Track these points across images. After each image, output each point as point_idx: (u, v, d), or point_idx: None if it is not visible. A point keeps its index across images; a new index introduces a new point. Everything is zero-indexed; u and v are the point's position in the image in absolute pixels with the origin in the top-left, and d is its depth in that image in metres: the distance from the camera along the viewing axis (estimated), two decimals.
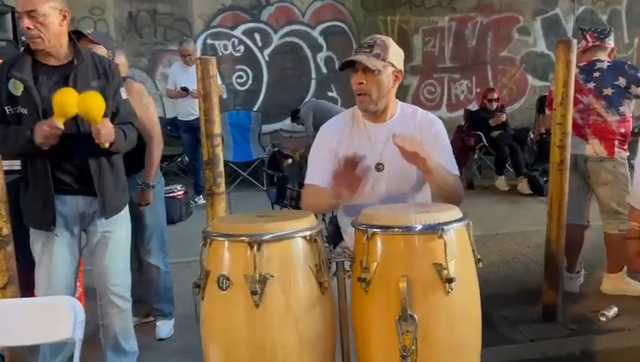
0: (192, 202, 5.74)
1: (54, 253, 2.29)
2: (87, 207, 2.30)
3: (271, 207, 4.47)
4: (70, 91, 2.07)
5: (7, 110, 2.14)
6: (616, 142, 3.22)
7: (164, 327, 3.08)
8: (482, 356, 2.59)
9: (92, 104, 2.08)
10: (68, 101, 2.04)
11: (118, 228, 2.41)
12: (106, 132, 2.12)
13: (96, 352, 2.50)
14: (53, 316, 1.83)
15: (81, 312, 1.80)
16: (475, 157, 6.63)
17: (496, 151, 6.34)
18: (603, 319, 3.04)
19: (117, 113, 2.30)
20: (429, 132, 2.03)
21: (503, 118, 6.37)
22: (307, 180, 2.07)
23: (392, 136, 1.84)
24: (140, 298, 3.23)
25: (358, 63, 1.93)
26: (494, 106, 6.53)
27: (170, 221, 4.41)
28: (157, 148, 2.95)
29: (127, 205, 2.48)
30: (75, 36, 2.81)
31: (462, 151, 6.61)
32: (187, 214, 5.41)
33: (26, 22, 2.08)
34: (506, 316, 3.13)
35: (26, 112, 2.14)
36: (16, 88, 2.13)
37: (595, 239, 3.83)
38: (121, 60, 3.08)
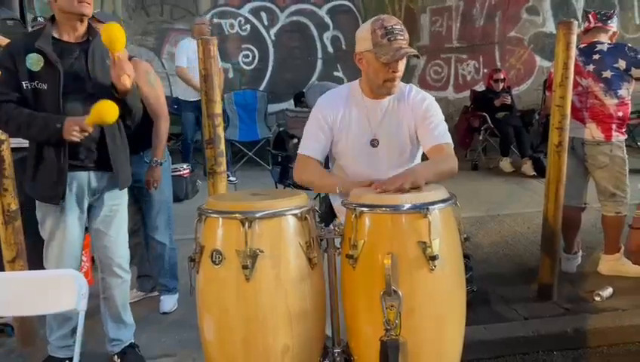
0: (199, 181, 5.81)
1: (67, 229, 2.34)
2: (98, 181, 2.36)
3: (275, 186, 4.53)
4: (112, 103, 2.12)
5: (24, 85, 2.16)
6: (614, 126, 3.23)
7: (168, 301, 3.18)
8: (476, 332, 2.70)
9: (115, 32, 2.10)
10: (108, 112, 2.11)
11: (123, 199, 2.50)
12: (126, 63, 2.15)
13: (99, 324, 2.59)
14: (58, 288, 1.90)
15: (85, 285, 1.87)
16: (480, 138, 6.62)
17: (501, 133, 6.33)
18: (598, 299, 3.08)
19: None
20: (421, 108, 2.07)
21: (507, 100, 6.34)
22: (302, 150, 2.11)
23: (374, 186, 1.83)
24: (146, 273, 3.33)
25: (410, 54, 1.95)
26: (500, 87, 6.49)
27: (177, 199, 4.49)
28: (164, 126, 3.02)
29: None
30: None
31: (467, 132, 6.63)
32: (193, 192, 5.48)
33: None
34: (502, 294, 3.19)
35: (45, 88, 2.17)
36: (36, 64, 2.15)
37: (593, 221, 3.87)
38: None
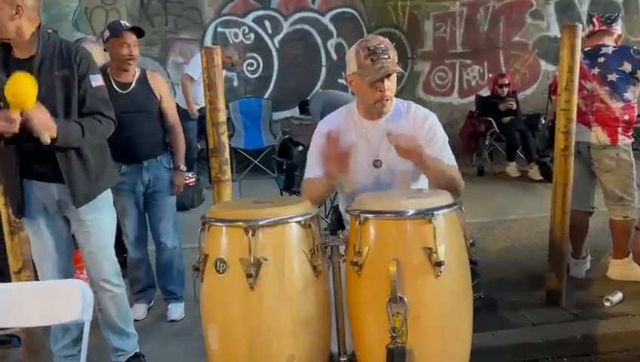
0: (205, 189, 5.81)
1: (39, 236, 2.38)
2: (63, 194, 2.32)
3: (280, 193, 4.52)
4: (23, 78, 2.04)
5: None
6: (620, 129, 3.21)
7: (177, 309, 3.17)
8: (483, 339, 2.67)
9: (18, 88, 2.02)
10: (18, 91, 2.03)
11: (100, 215, 2.43)
12: (38, 121, 2.07)
13: (101, 333, 2.59)
14: (64, 298, 1.90)
15: (90, 295, 1.88)
16: (486, 143, 6.60)
17: (507, 138, 6.30)
18: (607, 304, 3.05)
19: (84, 102, 2.28)
20: (423, 127, 2.07)
21: (512, 104, 6.33)
22: (305, 176, 2.14)
23: (387, 134, 1.91)
24: (150, 283, 3.31)
25: (391, 73, 1.95)
26: (505, 92, 6.48)
27: (182, 208, 4.49)
28: (181, 133, 3.19)
29: (110, 190, 2.50)
30: (138, 33, 2.96)
31: (472, 137, 6.61)
32: (199, 201, 5.48)
33: None
34: (510, 301, 3.17)
35: (2, 105, 2.17)
36: None
37: (602, 225, 3.83)
38: (92, 49, 3.23)
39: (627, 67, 3.15)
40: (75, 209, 2.34)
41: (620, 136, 3.21)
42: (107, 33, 2.98)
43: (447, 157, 2.05)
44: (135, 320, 2.79)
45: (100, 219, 2.43)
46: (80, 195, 2.30)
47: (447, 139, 2.10)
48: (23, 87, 2.04)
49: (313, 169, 2.10)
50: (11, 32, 2.17)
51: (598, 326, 2.86)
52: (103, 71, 2.88)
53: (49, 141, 2.11)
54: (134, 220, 3.11)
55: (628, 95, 3.19)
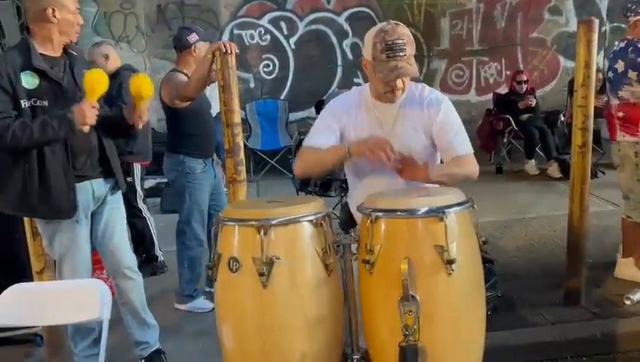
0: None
1: (80, 242, 2.37)
2: (101, 189, 2.41)
3: (296, 193, 4.54)
4: (99, 71, 2.25)
5: (22, 103, 2.16)
6: (618, 126, 3.11)
7: None
8: (501, 338, 2.65)
9: (145, 85, 2.30)
10: (99, 80, 2.19)
11: (122, 204, 2.58)
12: (147, 111, 2.37)
13: (123, 334, 2.63)
14: (84, 297, 1.95)
15: (108, 293, 1.92)
16: (505, 141, 6.53)
17: (526, 135, 6.23)
18: (628, 303, 2.99)
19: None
20: (438, 114, 2.04)
21: (532, 101, 6.26)
22: (307, 142, 2.09)
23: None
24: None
25: (404, 77, 1.95)
26: (524, 89, 6.41)
27: None
28: None
29: None
30: None
31: (491, 135, 6.55)
32: None
33: (80, 18, 2.31)
34: (528, 299, 3.13)
35: (46, 104, 2.19)
36: (32, 82, 2.17)
37: None
38: (110, 52, 3.58)
39: (620, 66, 3.04)
40: (109, 199, 2.46)
41: (618, 132, 3.11)
42: (195, 37, 3.15)
43: (459, 145, 2.03)
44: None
45: (122, 208, 2.58)
46: (121, 180, 2.49)
47: (461, 124, 2.08)
48: (146, 84, 2.30)
49: (317, 139, 2.06)
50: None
51: (618, 324, 2.82)
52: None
53: (140, 128, 2.41)
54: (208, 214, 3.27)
55: (623, 93, 3.07)
